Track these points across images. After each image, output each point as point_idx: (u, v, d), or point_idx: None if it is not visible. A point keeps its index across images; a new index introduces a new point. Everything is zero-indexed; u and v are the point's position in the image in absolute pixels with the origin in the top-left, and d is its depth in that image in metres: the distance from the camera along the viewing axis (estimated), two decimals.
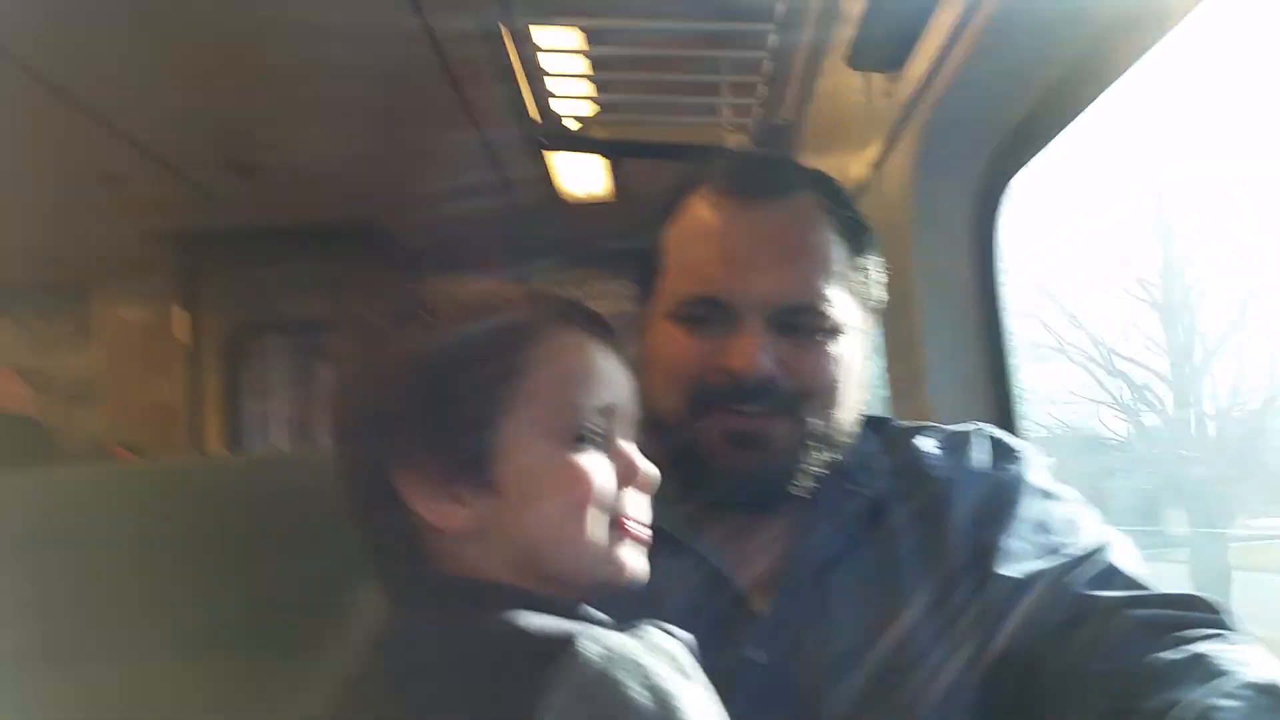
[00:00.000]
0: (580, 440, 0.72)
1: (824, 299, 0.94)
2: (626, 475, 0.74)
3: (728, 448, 0.93)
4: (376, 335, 0.73)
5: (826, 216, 0.98)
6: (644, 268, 1.04)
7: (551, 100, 2.31)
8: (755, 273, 0.93)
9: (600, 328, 0.76)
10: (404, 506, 0.70)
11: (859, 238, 1.00)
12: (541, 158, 3.49)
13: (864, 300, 1.00)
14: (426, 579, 0.72)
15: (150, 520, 1.26)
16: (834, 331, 0.95)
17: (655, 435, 0.99)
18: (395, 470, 0.70)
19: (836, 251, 0.97)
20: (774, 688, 0.89)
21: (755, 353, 0.91)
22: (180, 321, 4.82)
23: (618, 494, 0.73)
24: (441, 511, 0.70)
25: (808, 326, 0.94)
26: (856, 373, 0.98)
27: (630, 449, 0.75)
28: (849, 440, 0.99)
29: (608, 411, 0.73)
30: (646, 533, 0.75)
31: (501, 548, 0.70)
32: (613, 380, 0.74)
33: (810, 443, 0.94)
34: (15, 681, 1.20)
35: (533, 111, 2.42)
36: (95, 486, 1.33)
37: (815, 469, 0.95)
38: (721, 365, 0.92)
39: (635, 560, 0.74)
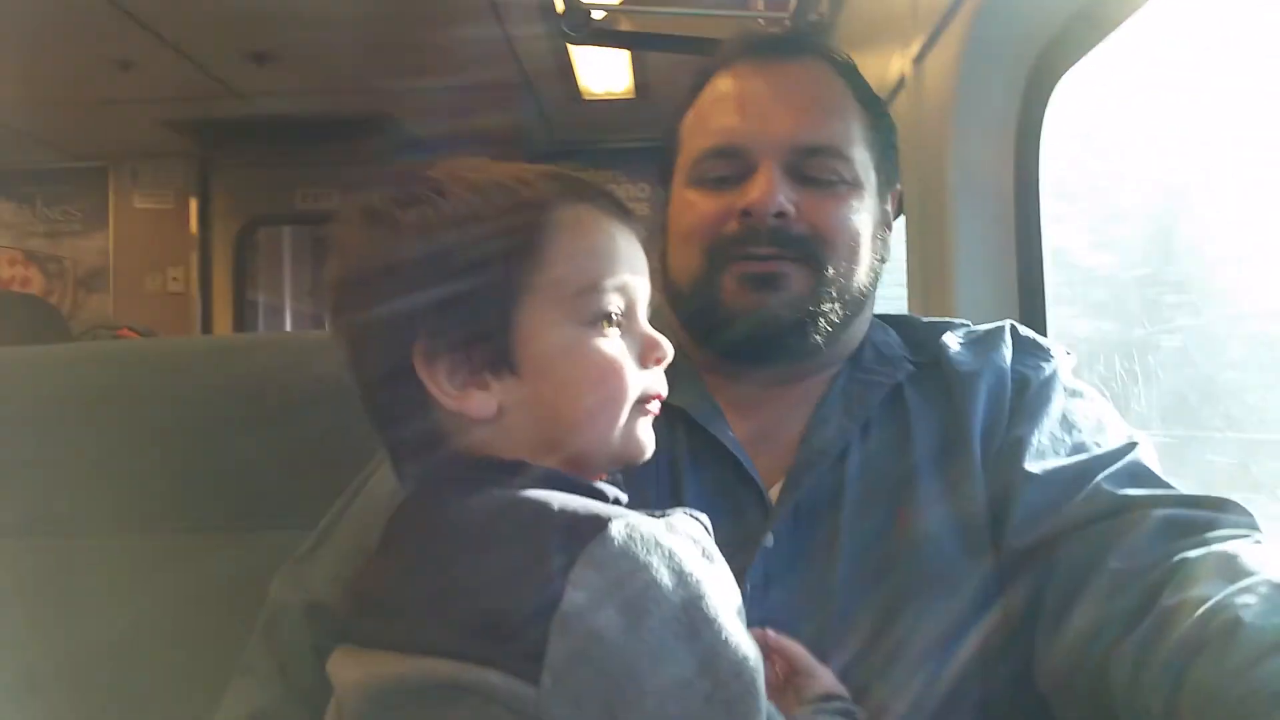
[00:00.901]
0: (603, 321, 0.71)
1: (840, 146, 0.95)
2: (646, 353, 0.73)
3: (743, 292, 0.93)
4: (385, 220, 0.70)
5: (841, 80, 0.99)
6: (666, 157, 1.03)
7: None
8: (771, 116, 0.95)
9: (614, 205, 0.74)
10: (423, 392, 0.69)
11: (875, 107, 1.01)
12: (564, 52, 3.42)
13: (881, 171, 1.00)
14: (450, 459, 0.71)
15: (155, 395, 1.27)
16: (851, 185, 0.95)
17: (678, 304, 1.00)
18: (414, 357, 0.68)
19: (853, 111, 0.98)
20: (785, 572, 0.89)
21: (769, 187, 0.92)
22: (193, 211, 4.82)
23: (642, 373, 0.73)
24: (463, 397, 0.68)
25: (825, 174, 0.94)
26: (871, 234, 0.98)
27: (645, 324, 0.74)
28: (858, 306, 0.99)
29: (626, 288, 0.72)
30: (658, 406, 0.75)
31: (522, 429, 0.70)
32: (630, 256, 0.73)
33: (825, 292, 0.94)
34: (16, 550, 1.22)
35: (558, 2, 2.36)
36: (102, 362, 1.33)
37: (832, 321, 0.95)
38: (737, 208, 0.93)
39: (650, 435, 0.74)
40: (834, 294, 0.95)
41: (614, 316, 0.71)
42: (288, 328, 5.71)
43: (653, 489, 0.93)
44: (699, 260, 0.96)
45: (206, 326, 4.77)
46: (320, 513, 1.02)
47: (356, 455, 1.01)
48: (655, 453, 0.94)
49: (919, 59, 1.49)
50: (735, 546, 0.89)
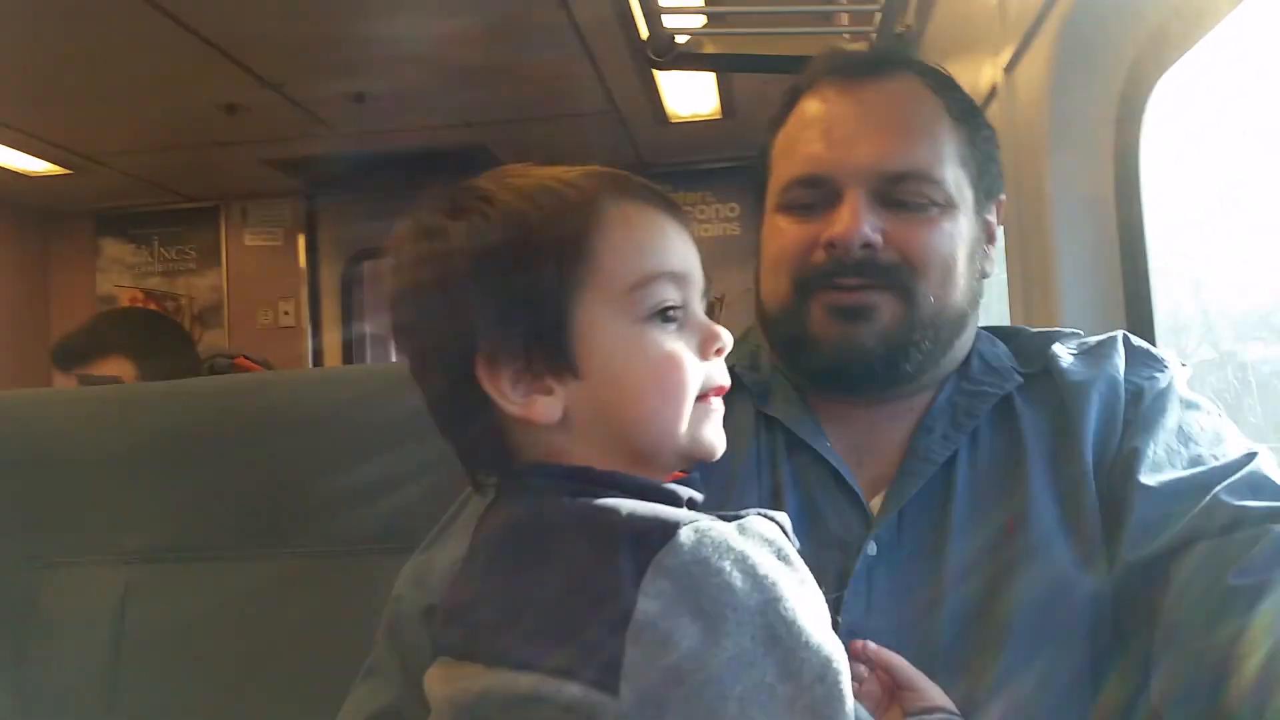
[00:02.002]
0: (661, 316, 0.70)
1: (930, 169, 0.93)
2: (706, 345, 0.72)
3: (830, 323, 0.93)
4: (436, 233, 0.70)
5: (933, 96, 0.97)
6: (759, 178, 1.03)
7: (662, 16, 2.27)
8: (856, 143, 0.93)
9: (661, 199, 0.74)
10: (487, 402, 0.69)
11: (972, 120, 0.98)
12: (650, 76, 3.45)
13: (980, 186, 0.97)
14: (520, 470, 0.71)
15: (272, 426, 1.32)
16: (944, 207, 0.93)
17: (769, 328, 1.00)
18: (477, 367, 0.69)
19: (945, 129, 0.95)
20: (889, 580, 0.88)
21: (853, 220, 0.90)
22: (301, 247, 4.99)
23: (703, 365, 0.72)
24: (528, 403, 0.69)
25: (914, 199, 0.92)
26: (968, 254, 0.96)
27: (702, 315, 0.74)
28: (956, 328, 0.97)
29: (680, 280, 0.71)
30: (721, 402, 0.75)
31: (588, 431, 0.70)
32: (681, 248, 0.72)
33: (918, 320, 0.92)
34: (148, 575, 1.28)
35: (641, 28, 2.38)
36: (223, 395, 1.39)
37: (926, 349, 0.94)
38: (823, 240, 0.92)
39: (719, 433, 0.74)
40: (927, 321, 0.93)
41: (670, 310, 0.71)
42: (393, 358, 5.85)
43: (753, 498, 0.93)
44: (787, 288, 0.95)
45: (317, 359, 4.91)
46: (427, 534, 1.05)
47: (464, 475, 1.03)
48: (757, 463, 0.96)
49: (1010, 68, 1.47)
50: (837, 555, 0.90)
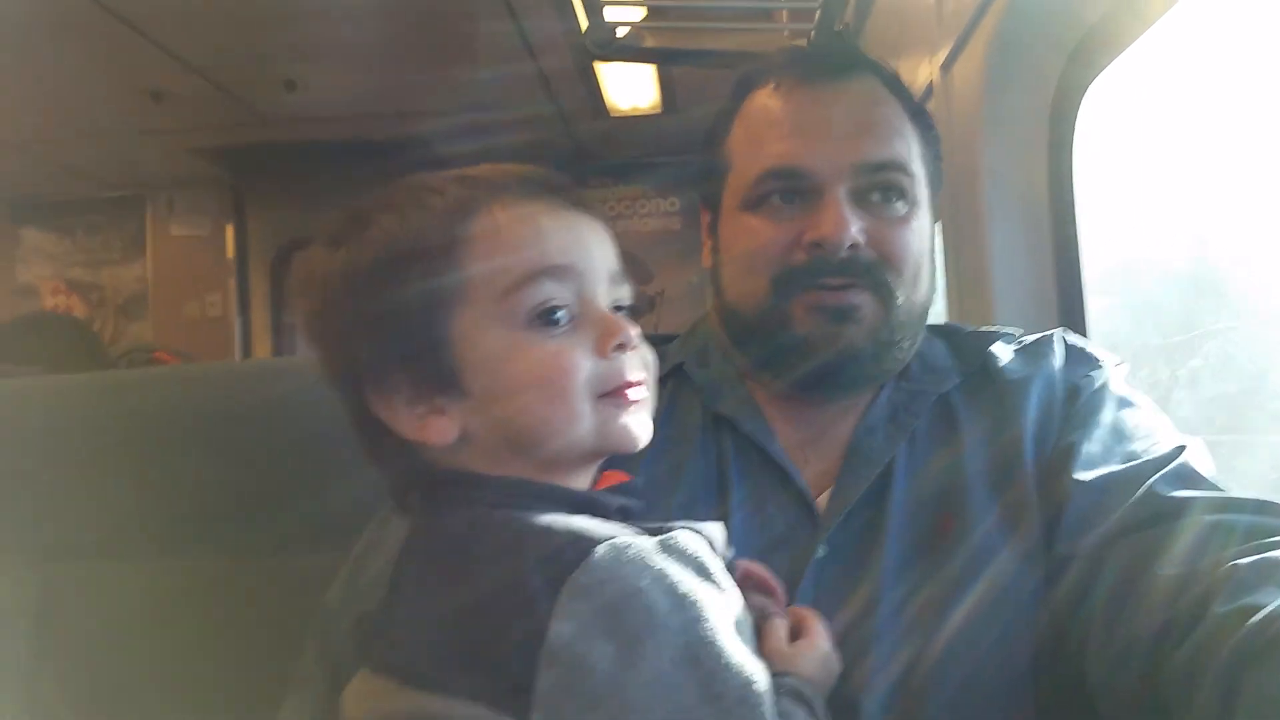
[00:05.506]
0: (542, 318, 0.67)
1: (906, 159, 0.94)
2: (603, 341, 0.68)
3: (818, 324, 0.92)
4: (319, 263, 0.69)
5: (891, 96, 0.97)
6: (708, 173, 1.02)
7: (603, 8, 2.25)
8: (833, 137, 0.93)
9: (547, 188, 0.70)
10: (389, 427, 0.68)
11: (922, 120, 0.99)
12: (590, 69, 3.43)
13: (932, 185, 0.99)
14: (446, 478, 0.69)
15: (190, 420, 1.28)
16: (911, 204, 0.94)
17: (736, 328, 0.99)
18: (369, 397, 0.68)
19: (907, 126, 0.97)
20: (834, 581, 0.89)
21: (842, 220, 0.90)
22: (229, 237, 4.87)
23: (603, 363, 0.68)
24: (423, 426, 0.67)
25: (890, 189, 0.93)
26: (930, 251, 0.97)
27: (602, 309, 0.69)
28: (921, 326, 0.98)
29: (564, 273, 0.68)
30: (643, 392, 0.71)
31: (490, 445, 0.68)
32: (563, 240, 0.68)
33: (895, 319, 0.93)
34: (68, 573, 1.23)
35: (582, 20, 2.37)
36: (138, 388, 1.34)
37: (905, 347, 0.95)
38: (806, 240, 0.91)
39: (636, 423, 0.69)
40: (902, 319, 0.94)
41: (556, 310, 0.67)
42: None
43: (701, 496, 0.93)
44: (765, 289, 0.94)
45: (246, 350, 4.81)
46: (358, 535, 1.02)
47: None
48: (704, 463, 0.95)
49: (946, 66, 1.48)
50: (785, 555, 0.90)
